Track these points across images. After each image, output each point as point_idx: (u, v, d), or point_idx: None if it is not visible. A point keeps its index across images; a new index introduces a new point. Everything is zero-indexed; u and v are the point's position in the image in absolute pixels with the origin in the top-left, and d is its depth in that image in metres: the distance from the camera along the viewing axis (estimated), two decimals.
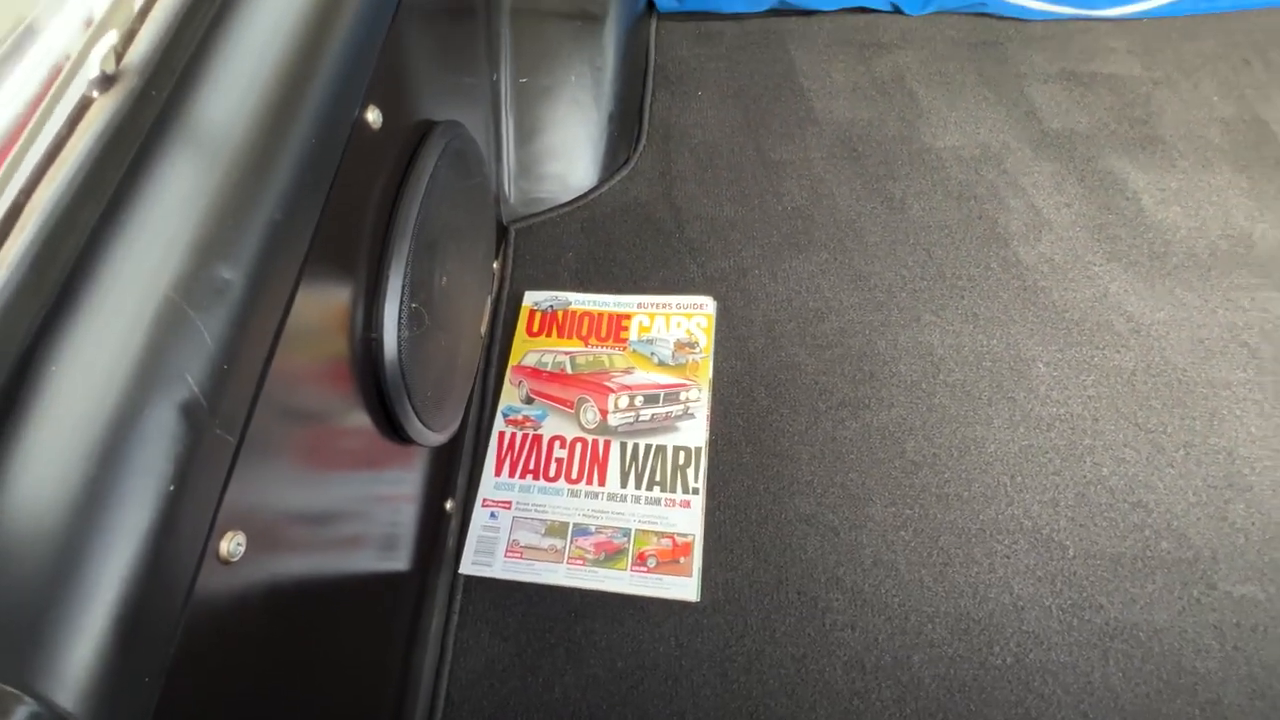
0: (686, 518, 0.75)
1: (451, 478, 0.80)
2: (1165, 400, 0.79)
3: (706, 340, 0.86)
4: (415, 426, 0.61)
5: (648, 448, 0.80)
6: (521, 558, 0.75)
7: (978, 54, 1.10)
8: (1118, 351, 0.82)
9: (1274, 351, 0.81)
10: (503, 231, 0.97)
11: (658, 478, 0.78)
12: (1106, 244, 0.90)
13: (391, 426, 0.60)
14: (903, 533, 0.74)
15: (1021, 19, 1.11)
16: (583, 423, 0.82)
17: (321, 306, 0.49)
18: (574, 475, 0.79)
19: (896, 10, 1.14)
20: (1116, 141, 0.99)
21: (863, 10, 1.15)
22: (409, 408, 0.58)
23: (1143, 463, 0.75)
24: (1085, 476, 0.75)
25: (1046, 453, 0.77)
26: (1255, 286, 0.85)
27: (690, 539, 0.74)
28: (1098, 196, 0.94)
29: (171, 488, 0.34)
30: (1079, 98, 1.04)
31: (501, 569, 0.74)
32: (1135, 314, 0.85)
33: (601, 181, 1.01)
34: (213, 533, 0.37)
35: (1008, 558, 0.71)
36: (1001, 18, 1.12)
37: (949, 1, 1.12)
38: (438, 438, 0.67)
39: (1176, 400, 0.78)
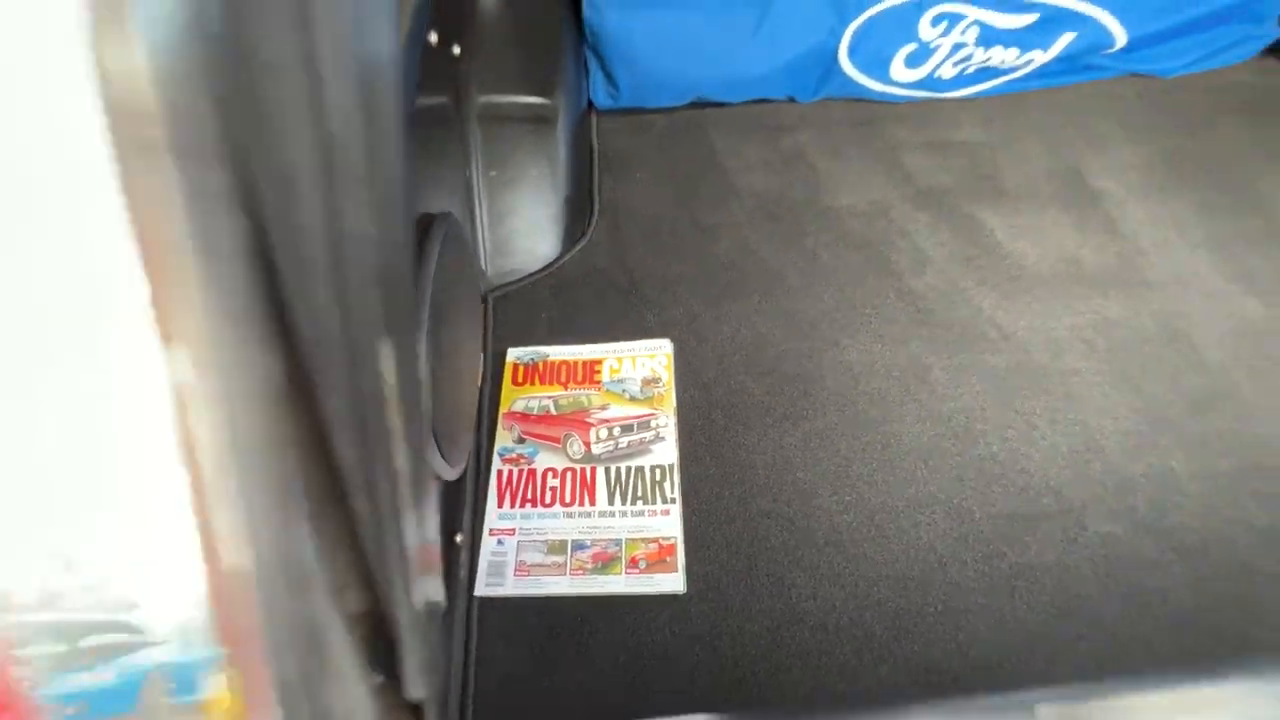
0: (667, 524, 0.89)
1: (458, 514, 0.91)
2: (1033, 389, 0.99)
3: (668, 376, 1.02)
4: (438, 460, 0.73)
5: (628, 469, 0.93)
6: (529, 575, 0.86)
7: (859, 130, 1.35)
8: (993, 354, 1.03)
9: (1107, 344, 1.03)
10: (483, 300, 1.11)
11: (639, 493, 0.91)
12: (975, 273, 1.13)
13: None
14: (845, 516, 0.89)
15: (889, 102, 1.38)
16: (570, 454, 0.95)
17: None
18: (567, 500, 0.91)
19: (791, 99, 1.39)
20: (973, 193, 1.24)
21: (765, 101, 1.40)
22: (434, 441, 0.71)
23: (1021, 439, 0.94)
24: (980, 455, 0.93)
25: (948, 439, 0.95)
26: (1087, 296, 1.08)
27: (673, 541, 0.87)
28: (964, 236, 1.18)
29: None
30: (941, 161, 1.29)
31: (512, 587, 0.85)
32: (1003, 324, 1.06)
33: (564, 253, 1.18)
34: None
35: (929, 526, 0.88)
36: (874, 101, 1.39)
37: (832, 91, 1.38)
38: (453, 472, 0.79)
39: (1041, 388, 0.99)
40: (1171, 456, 0.91)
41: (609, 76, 1.35)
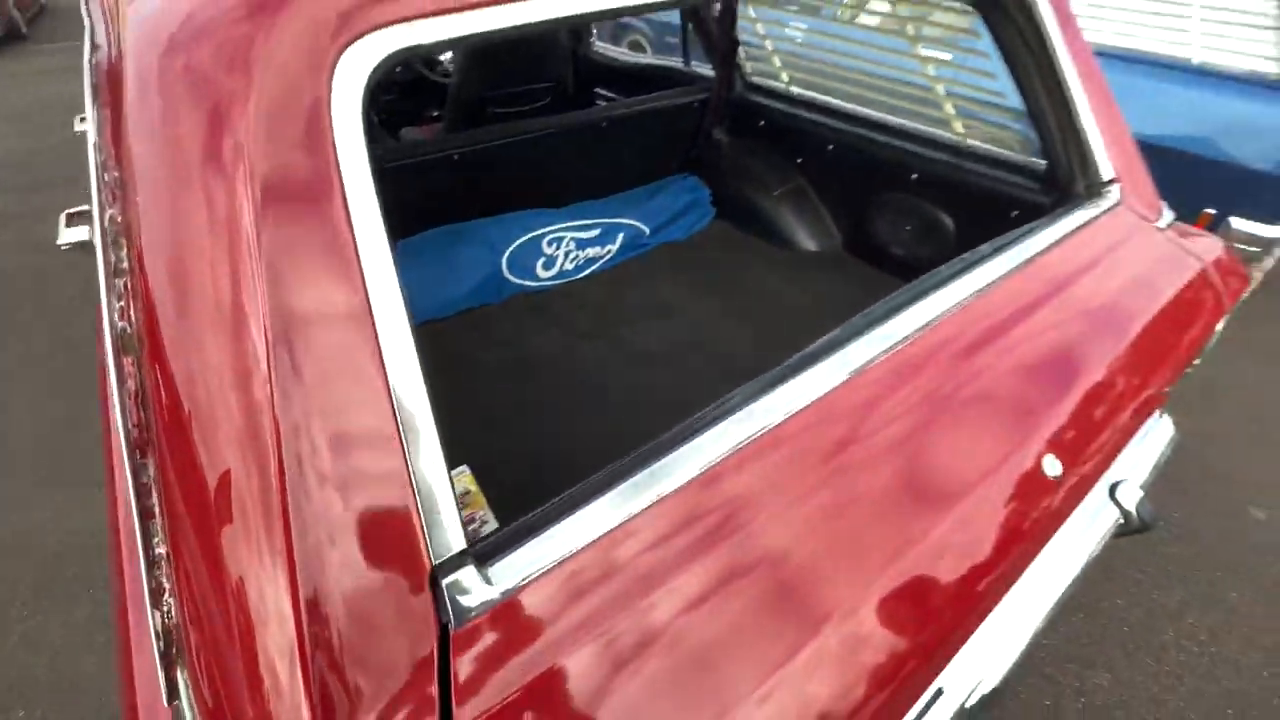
0: None
1: None
2: (673, 406, 1.73)
3: (474, 488, 1.50)
4: None
5: None
6: None
7: (534, 311, 2.10)
8: (652, 406, 1.75)
9: (705, 370, 1.84)
10: None
11: None
12: (631, 363, 1.89)
13: None
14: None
15: (546, 290, 2.18)
16: None
17: None
18: None
19: (486, 304, 2.10)
20: (613, 323, 2.04)
21: (471, 309, 2.08)
22: None
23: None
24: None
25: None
26: (685, 357, 1.91)
27: None
28: (618, 347, 1.95)
29: None
30: (588, 313, 2.09)
31: None
32: (650, 384, 1.81)
33: None
34: None
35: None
36: (537, 292, 2.17)
37: (509, 292, 2.13)
38: None
39: (677, 400, 1.73)
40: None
41: None
